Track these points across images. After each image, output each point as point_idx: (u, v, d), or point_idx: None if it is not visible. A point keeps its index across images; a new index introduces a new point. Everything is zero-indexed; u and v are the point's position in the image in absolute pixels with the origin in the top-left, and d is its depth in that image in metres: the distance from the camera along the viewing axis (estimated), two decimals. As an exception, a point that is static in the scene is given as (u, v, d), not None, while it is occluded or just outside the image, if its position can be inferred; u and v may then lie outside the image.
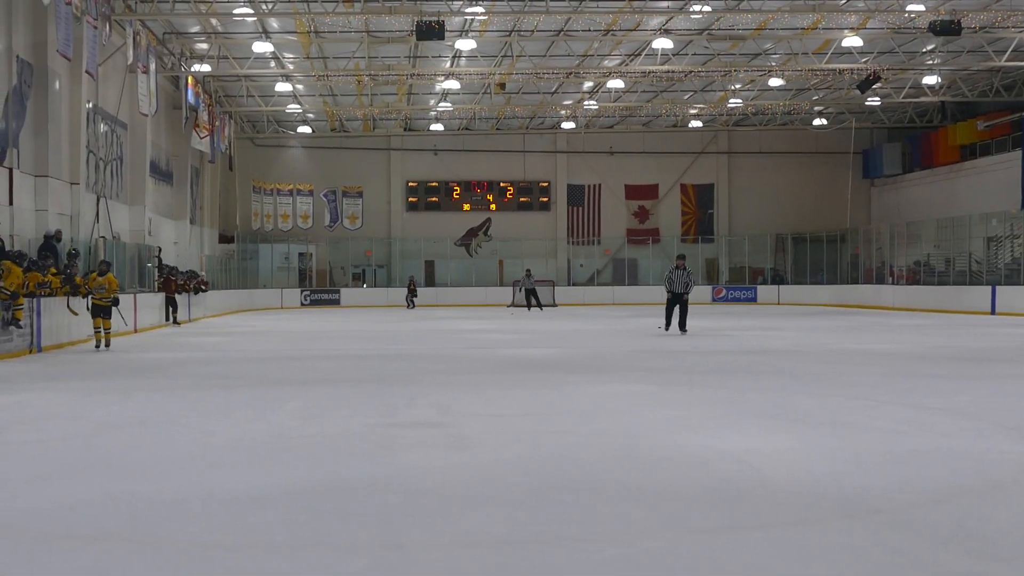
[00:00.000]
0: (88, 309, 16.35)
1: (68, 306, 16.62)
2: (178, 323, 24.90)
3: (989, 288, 28.62)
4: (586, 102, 36.75)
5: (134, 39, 23.63)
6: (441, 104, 37.16)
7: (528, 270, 35.31)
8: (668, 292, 18.82)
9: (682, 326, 18.48)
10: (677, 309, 18.78)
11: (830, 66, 30.09)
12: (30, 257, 17.09)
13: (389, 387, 10.05)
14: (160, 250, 27.42)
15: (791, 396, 9.10)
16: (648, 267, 42.98)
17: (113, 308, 16.38)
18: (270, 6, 24.81)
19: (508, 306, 35.84)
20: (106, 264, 17.16)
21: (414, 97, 37.04)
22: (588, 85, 34.99)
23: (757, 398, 8.93)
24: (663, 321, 19.22)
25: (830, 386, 9.90)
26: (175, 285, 24.96)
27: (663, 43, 27.95)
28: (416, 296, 37.92)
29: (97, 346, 16.18)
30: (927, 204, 38.74)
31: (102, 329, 16.20)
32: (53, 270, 16.96)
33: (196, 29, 28.10)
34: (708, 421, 7.53)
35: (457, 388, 9.88)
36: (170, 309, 24.65)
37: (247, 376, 11.47)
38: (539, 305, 33.57)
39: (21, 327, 14.65)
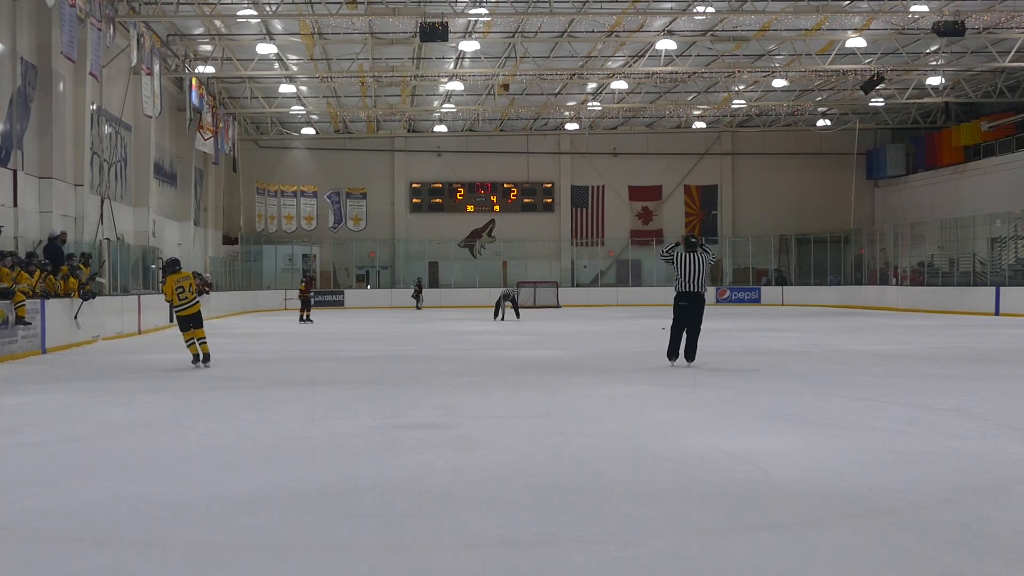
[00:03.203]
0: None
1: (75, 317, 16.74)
2: (310, 320, 27.13)
3: (993, 289, 28.57)
4: (590, 103, 36.76)
5: (138, 41, 23.67)
6: (445, 105, 37.20)
7: (503, 296, 29.31)
8: (679, 296, 12.07)
9: (691, 352, 12.11)
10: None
11: (834, 67, 30.08)
12: (40, 259, 17.19)
13: (393, 389, 10.04)
14: (162, 253, 27.46)
15: (797, 397, 9.08)
16: (652, 268, 42.99)
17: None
18: (274, 8, 24.84)
19: (510, 307, 35.74)
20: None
21: (418, 98, 37.07)
22: (592, 86, 34.99)
23: (763, 399, 8.92)
24: (667, 334, 12.99)
25: (835, 387, 9.89)
26: (307, 286, 28.20)
27: (667, 44, 27.97)
28: (422, 297, 37.91)
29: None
30: (931, 205, 38.72)
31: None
32: (65, 268, 17.11)
33: (200, 31, 28.15)
34: (714, 422, 7.52)
35: (462, 389, 9.88)
36: (303, 309, 27.64)
37: (252, 378, 11.48)
38: (515, 311, 28.54)
39: (29, 324, 14.68)
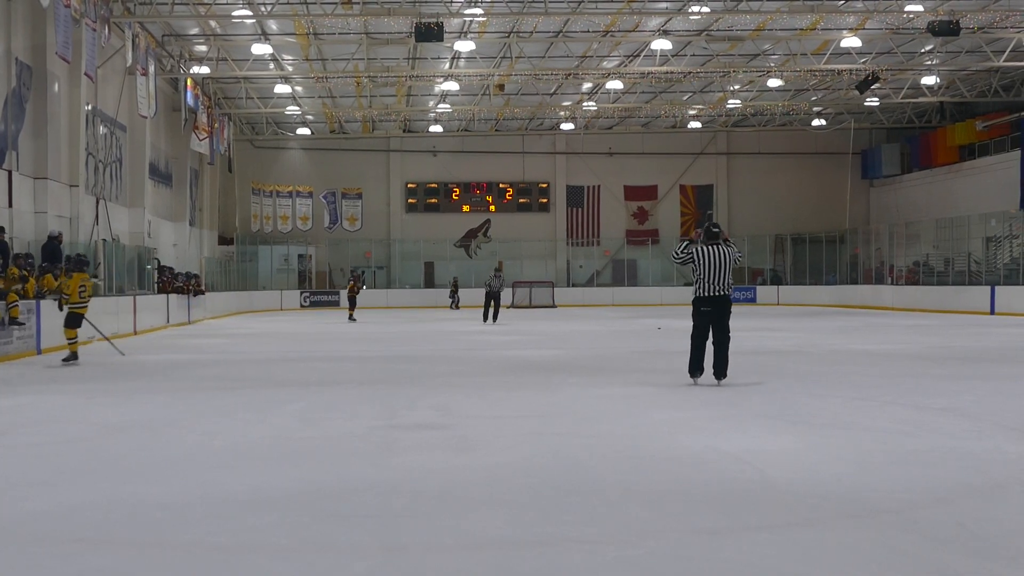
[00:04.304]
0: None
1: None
2: (353, 319, 27.90)
3: (988, 288, 28.64)
4: (585, 103, 36.76)
5: (133, 41, 23.63)
6: (440, 105, 37.17)
7: (496, 269, 29.40)
8: (700, 300, 10.06)
9: (721, 367, 9.97)
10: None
11: (829, 67, 30.11)
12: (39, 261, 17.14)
13: (391, 389, 10.04)
14: (158, 253, 27.43)
15: (793, 397, 9.09)
16: (648, 268, 43.04)
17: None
18: (269, 8, 24.81)
19: (508, 307, 35.76)
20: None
21: (413, 99, 37.04)
22: (587, 86, 34.99)
23: (759, 399, 8.93)
24: (687, 352, 10.27)
25: (832, 387, 9.90)
26: (354, 285, 29.42)
27: (662, 44, 27.97)
28: (457, 296, 37.20)
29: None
30: (926, 204, 38.78)
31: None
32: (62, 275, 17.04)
33: (195, 31, 28.10)
34: (711, 422, 7.53)
35: (459, 390, 9.88)
36: (349, 308, 28.98)
37: (248, 378, 11.47)
38: (495, 312, 26.51)
39: (23, 324, 14.64)
